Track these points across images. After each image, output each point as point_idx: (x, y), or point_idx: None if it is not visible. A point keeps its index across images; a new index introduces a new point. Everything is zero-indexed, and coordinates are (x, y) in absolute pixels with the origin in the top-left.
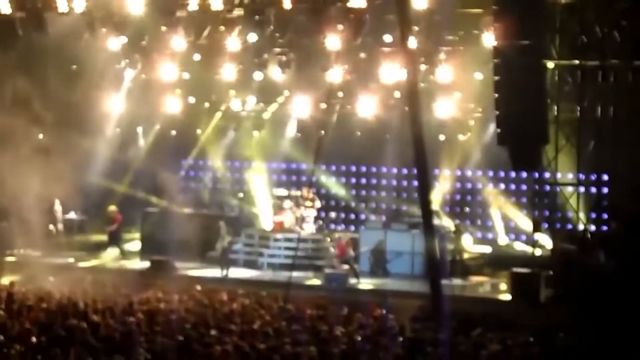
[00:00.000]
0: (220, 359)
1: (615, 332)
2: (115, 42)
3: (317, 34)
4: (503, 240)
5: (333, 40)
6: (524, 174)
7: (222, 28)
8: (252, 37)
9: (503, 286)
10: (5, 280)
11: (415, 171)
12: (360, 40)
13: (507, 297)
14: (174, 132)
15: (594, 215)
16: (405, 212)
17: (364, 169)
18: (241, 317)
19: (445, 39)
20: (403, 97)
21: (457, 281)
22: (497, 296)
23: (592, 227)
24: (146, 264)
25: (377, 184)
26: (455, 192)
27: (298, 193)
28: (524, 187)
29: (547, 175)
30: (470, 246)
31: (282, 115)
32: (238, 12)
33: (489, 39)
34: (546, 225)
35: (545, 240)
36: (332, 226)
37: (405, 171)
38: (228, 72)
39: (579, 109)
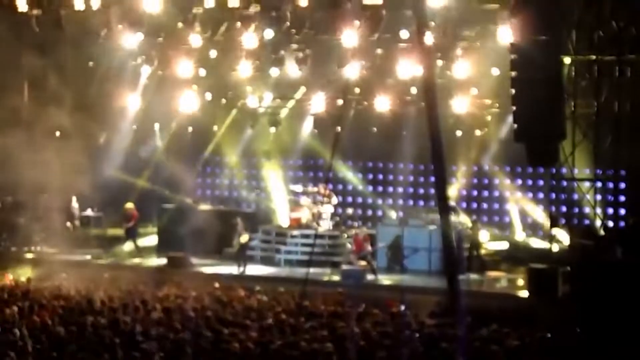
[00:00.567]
0: (238, 356)
1: (632, 328)
2: (131, 39)
3: (333, 30)
4: (520, 236)
5: (349, 36)
6: (541, 170)
7: (239, 24)
8: (269, 34)
9: (520, 282)
10: (23, 277)
11: (432, 167)
12: (377, 36)
13: (524, 292)
14: (190, 129)
15: (611, 211)
16: (422, 208)
17: (380, 165)
18: (258, 313)
19: (461, 35)
20: (420, 93)
21: (474, 277)
22: (514, 292)
23: (610, 223)
24: (163, 261)
25: (394, 180)
26: (472, 188)
27: (315, 189)
28: (541, 182)
29: (564, 170)
30: (487, 242)
31: (299, 112)
32: (254, 8)
33: (506, 35)
34: (563, 221)
35: (563, 236)
36: (349, 222)
37: (422, 167)
38: (244, 68)
39: (596, 104)
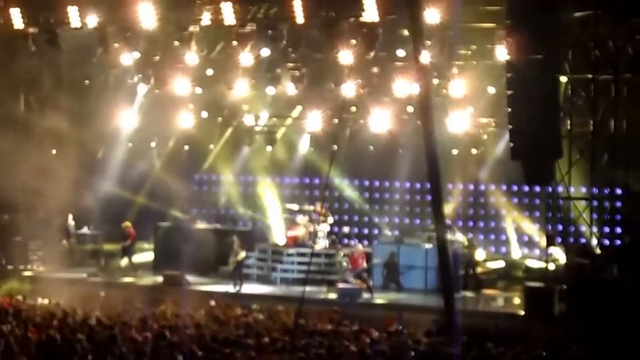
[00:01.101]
0: None
1: (628, 347)
2: (128, 57)
3: (329, 49)
4: (516, 254)
5: (346, 55)
6: (537, 188)
7: (235, 43)
8: (265, 52)
9: (516, 300)
10: (18, 295)
11: (428, 185)
12: (373, 54)
13: (520, 311)
14: (186, 147)
15: (607, 230)
16: (418, 226)
17: (377, 183)
18: (255, 332)
19: (458, 53)
20: (416, 112)
21: (470, 295)
22: (510, 310)
23: (606, 242)
24: (159, 279)
25: (390, 198)
26: (468, 206)
27: (311, 208)
28: (537, 201)
29: (560, 189)
30: (484, 260)
31: (295, 130)
32: (251, 27)
33: (502, 53)
34: (559, 240)
35: (559, 255)
36: (345, 241)
37: (418, 185)
38: (241, 86)
39: (592, 122)
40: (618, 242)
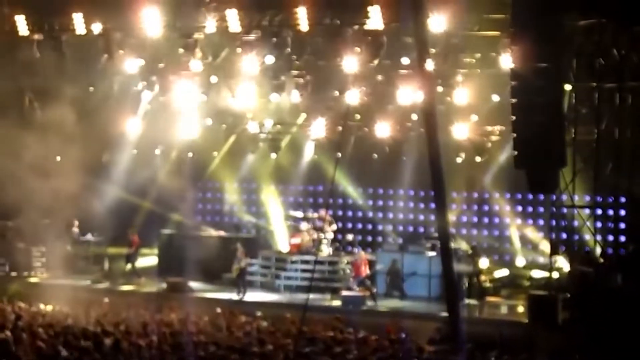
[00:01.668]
0: None
1: (632, 355)
2: (132, 64)
3: (334, 56)
4: (520, 262)
5: (350, 63)
6: (542, 196)
7: (239, 50)
8: (270, 59)
9: (520, 308)
10: (21, 302)
11: (432, 193)
12: (377, 62)
13: (524, 319)
14: (190, 154)
15: (611, 238)
16: (422, 234)
17: (381, 191)
18: (259, 339)
19: (462, 61)
20: (420, 119)
21: (474, 303)
22: (514, 318)
23: (610, 250)
24: (163, 286)
25: (394, 206)
26: (472, 215)
27: (315, 215)
28: (541, 209)
29: (564, 197)
30: (487, 268)
31: (299, 137)
32: (255, 34)
33: (507, 61)
34: (563, 248)
35: (563, 263)
36: (349, 248)
37: (422, 193)
38: (245, 94)
39: (596, 131)
40: (622, 250)
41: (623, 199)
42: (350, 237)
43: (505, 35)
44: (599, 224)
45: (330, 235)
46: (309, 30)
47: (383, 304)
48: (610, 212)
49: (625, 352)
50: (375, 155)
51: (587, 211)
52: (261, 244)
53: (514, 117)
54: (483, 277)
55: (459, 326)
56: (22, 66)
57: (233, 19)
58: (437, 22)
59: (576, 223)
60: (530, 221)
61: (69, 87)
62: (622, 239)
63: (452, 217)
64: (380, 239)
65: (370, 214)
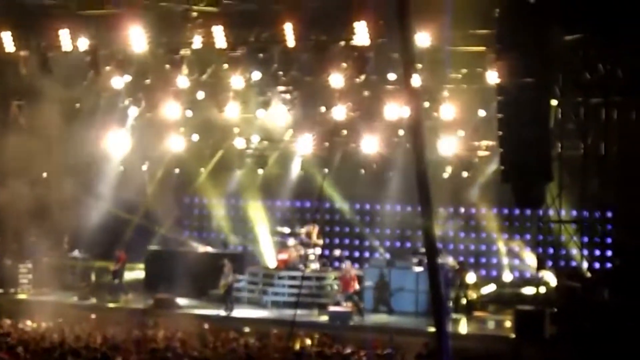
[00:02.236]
0: None
1: None
2: (119, 81)
3: (320, 72)
4: (507, 277)
5: (337, 78)
6: (528, 211)
7: (226, 66)
8: (256, 75)
9: (507, 323)
10: (7, 319)
11: (419, 208)
12: (364, 78)
13: (511, 334)
14: (177, 170)
15: (597, 253)
16: (409, 249)
17: (368, 206)
18: (246, 355)
19: (448, 77)
20: (407, 135)
21: (461, 318)
22: (501, 333)
23: (596, 265)
24: (149, 302)
25: (381, 221)
26: (459, 230)
27: (302, 230)
28: (528, 224)
29: (551, 212)
30: (474, 283)
31: (286, 153)
32: (242, 50)
33: (493, 77)
34: (550, 263)
35: (550, 278)
36: (337, 263)
37: (409, 208)
38: (232, 110)
39: (582, 146)
40: (609, 265)
41: (609, 214)
42: (337, 252)
43: (491, 51)
44: (585, 239)
45: (318, 251)
46: (296, 46)
47: (370, 319)
48: (597, 226)
49: None
50: (363, 171)
51: (573, 226)
52: (248, 259)
53: (500, 132)
54: (470, 292)
55: (446, 341)
56: (8, 82)
57: (219, 35)
58: (423, 38)
59: (563, 238)
60: (517, 236)
61: (56, 103)
62: (609, 253)
63: (439, 232)
64: (367, 254)
65: (358, 229)
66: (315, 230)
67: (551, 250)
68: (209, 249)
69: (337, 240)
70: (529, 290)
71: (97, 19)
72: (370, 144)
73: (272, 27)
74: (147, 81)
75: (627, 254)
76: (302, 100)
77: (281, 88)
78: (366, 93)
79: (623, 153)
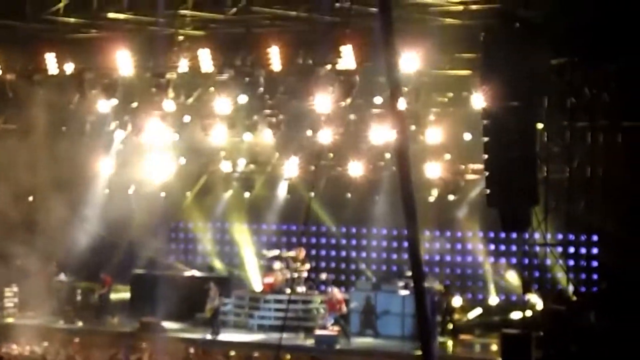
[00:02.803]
0: None
1: None
2: (105, 104)
3: (306, 96)
4: (493, 301)
5: (323, 102)
6: (514, 235)
7: (212, 89)
8: (242, 99)
9: (494, 347)
10: None
11: (405, 232)
12: (350, 101)
13: (497, 357)
14: (163, 194)
15: (583, 276)
16: (395, 273)
17: (354, 230)
18: None
19: (434, 100)
20: (393, 158)
21: (447, 342)
22: (487, 357)
23: (582, 288)
24: (135, 325)
25: (368, 245)
26: (445, 253)
27: (288, 254)
28: (514, 247)
29: (537, 236)
30: (461, 307)
31: (273, 177)
32: (228, 73)
33: (479, 100)
34: (536, 286)
35: (536, 301)
36: (323, 287)
37: (395, 232)
38: (218, 133)
39: (568, 169)
40: (594, 288)
41: (595, 237)
42: (324, 276)
43: (477, 75)
44: (571, 262)
45: (304, 274)
46: (282, 70)
47: (356, 342)
48: (583, 250)
49: None
50: (349, 195)
51: (559, 249)
52: (235, 283)
53: (486, 156)
54: (456, 316)
55: None
56: None
57: (205, 58)
58: (409, 61)
59: (549, 261)
60: (503, 259)
61: (42, 126)
62: (595, 276)
63: (425, 255)
64: (354, 277)
65: (344, 253)
66: (301, 253)
67: (537, 274)
68: (195, 272)
69: (323, 264)
70: (515, 314)
71: (83, 43)
72: (356, 168)
73: (258, 50)
74: (134, 104)
75: (612, 277)
76: (289, 124)
77: (267, 111)
78: (352, 117)
79: (608, 176)
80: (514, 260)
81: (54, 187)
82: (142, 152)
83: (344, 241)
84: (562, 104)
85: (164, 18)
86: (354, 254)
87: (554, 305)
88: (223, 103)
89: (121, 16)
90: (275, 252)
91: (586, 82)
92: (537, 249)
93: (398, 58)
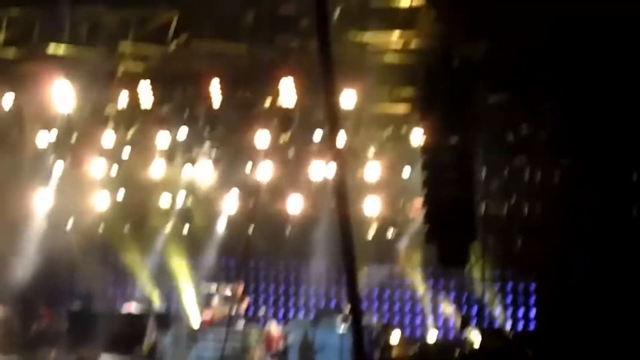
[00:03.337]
0: None
1: None
2: (43, 138)
3: (246, 130)
4: (432, 337)
5: (262, 137)
6: (452, 271)
7: (152, 123)
8: (182, 133)
9: None
10: None
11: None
12: (289, 137)
13: None
14: (101, 228)
15: (521, 312)
16: (334, 308)
17: (293, 264)
18: None
19: (374, 136)
20: (331, 195)
21: None
22: None
23: (520, 324)
24: (73, 359)
25: (306, 280)
26: (383, 289)
27: (227, 289)
28: (452, 283)
29: (475, 271)
30: (399, 343)
31: (212, 211)
32: (168, 107)
33: (417, 137)
34: (474, 322)
35: (474, 337)
36: (261, 322)
37: (335, 267)
38: (157, 167)
39: (506, 205)
40: (532, 324)
41: (533, 273)
42: (262, 310)
43: (416, 111)
44: (509, 298)
45: (243, 309)
46: (222, 105)
47: None
48: (521, 286)
49: None
50: (288, 230)
51: (497, 285)
52: (173, 318)
53: (424, 192)
54: (394, 352)
55: None
56: None
57: (145, 93)
58: (348, 97)
59: (487, 297)
60: (442, 295)
61: None
62: (533, 312)
63: (363, 291)
64: (292, 312)
65: (283, 287)
66: (240, 288)
67: (475, 310)
68: (133, 307)
69: (261, 298)
70: (453, 351)
71: (21, 76)
72: (295, 203)
73: (198, 85)
74: (73, 139)
75: (550, 314)
76: (228, 158)
77: (207, 145)
78: (291, 152)
79: (546, 213)
80: (452, 297)
81: None
82: (80, 186)
83: (282, 275)
84: (500, 141)
85: (104, 52)
86: (292, 288)
87: (491, 342)
88: (162, 137)
89: (61, 50)
90: (214, 286)
91: (524, 119)
92: (475, 285)
93: (338, 94)
